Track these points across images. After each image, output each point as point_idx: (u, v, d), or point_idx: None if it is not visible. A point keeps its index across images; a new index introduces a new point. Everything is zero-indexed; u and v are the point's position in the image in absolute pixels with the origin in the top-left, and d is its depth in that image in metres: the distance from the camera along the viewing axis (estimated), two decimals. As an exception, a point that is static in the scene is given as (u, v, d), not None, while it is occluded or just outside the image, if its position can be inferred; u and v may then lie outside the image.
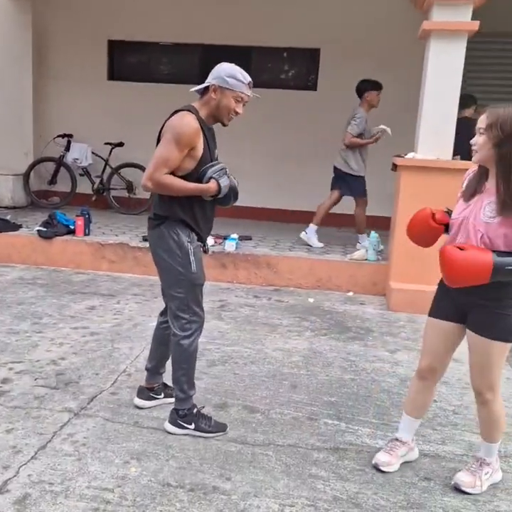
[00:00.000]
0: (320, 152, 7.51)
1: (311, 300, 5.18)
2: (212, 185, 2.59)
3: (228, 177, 2.64)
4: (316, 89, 7.65)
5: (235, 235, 5.84)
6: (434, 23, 4.70)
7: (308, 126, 7.49)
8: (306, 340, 4.17)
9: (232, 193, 2.69)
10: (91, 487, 2.34)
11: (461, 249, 2.15)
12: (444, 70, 4.72)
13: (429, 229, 2.38)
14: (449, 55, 4.69)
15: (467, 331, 2.37)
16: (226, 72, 2.56)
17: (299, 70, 8.04)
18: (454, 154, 5.08)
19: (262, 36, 7.44)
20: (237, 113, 2.62)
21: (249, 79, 2.60)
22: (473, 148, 2.22)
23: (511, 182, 2.12)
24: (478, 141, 2.19)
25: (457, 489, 2.46)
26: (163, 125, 2.58)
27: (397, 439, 2.63)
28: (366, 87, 5.87)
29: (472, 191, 2.29)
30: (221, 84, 2.55)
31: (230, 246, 5.67)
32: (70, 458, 2.53)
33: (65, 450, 2.59)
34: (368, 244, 5.60)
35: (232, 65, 2.61)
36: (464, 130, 5.74)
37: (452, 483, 2.49)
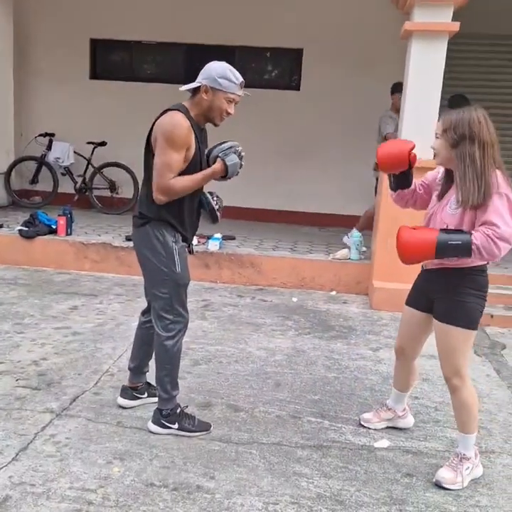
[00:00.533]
0: (303, 152, 7.55)
1: (294, 299, 5.19)
2: (217, 165, 2.54)
3: (236, 154, 2.57)
4: (299, 89, 7.66)
5: (218, 235, 5.83)
6: (415, 23, 4.74)
7: (292, 126, 7.51)
8: (289, 339, 4.18)
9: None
10: (73, 488, 2.32)
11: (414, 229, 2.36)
12: (426, 70, 4.76)
13: (401, 157, 2.47)
14: (431, 55, 4.74)
15: (433, 319, 2.54)
16: (217, 72, 2.51)
17: (283, 70, 8.05)
18: None
19: (246, 36, 7.43)
20: (228, 113, 2.59)
21: (241, 79, 2.56)
22: (434, 151, 2.43)
23: (467, 176, 2.29)
24: (436, 144, 2.40)
25: (438, 486, 2.49)
26: (153, 125, 2.55)
27: (384, 404, 2.97)
28: (392, 89, 6.05)
29: (443, 191, 2.49)
30: (213, 85, 2.51)
31: (213, 245, 5.67)
32: (52, 459, 2.51)
33: (47, 451, 2.57)
34: (351, 242, 5.63)
35: (224, 64, 2.56)
36: None
37: (434, 480, 2.52)
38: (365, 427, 2.93)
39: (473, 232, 2.27)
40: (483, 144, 2.29)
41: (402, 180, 2.58)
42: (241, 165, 2.60)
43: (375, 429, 2.92)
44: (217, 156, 2.54)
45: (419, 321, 2.65)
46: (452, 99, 5.82)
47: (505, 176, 2.32)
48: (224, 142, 2.61)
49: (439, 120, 2.43)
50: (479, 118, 2.31)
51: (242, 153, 2.61)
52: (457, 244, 2.25)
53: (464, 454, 2.54)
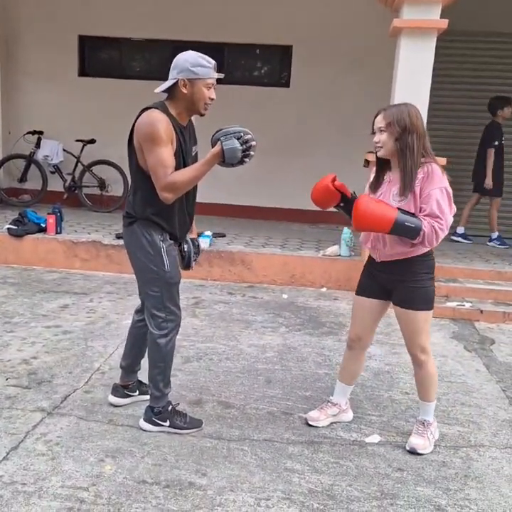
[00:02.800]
0: (293, 149, 7.56)
1: (285, 296, 5.20)
2: (215, 148, 2.42)
3: (240, 140, 2.40)
4: (288, 86, 7.67)
5: (208, 232, 5.83)
6: (404, 21, 4.75)
7: (282, 123, 7.52)
8: (280, 336, 4.20)
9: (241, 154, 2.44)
10: (65, 486, 2.32)
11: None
12: (415, 67, 4.77)
13: (327, 191, 2.68)
14: (419, 52, 4.76)
15: (394, 306, 2.70)
16: (190, 62, 2.47)
17: (272, 67, 8.05)
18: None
19: (235, 33, 7.43)
20: (212, 99, 2.54)
21: (213, 61, 2.52)
22: (377, 145, 2.55)
23: (408, 166, 2.47)
24: (381, 138, 2.53)
25: (412, 452, 2.70)
26: (133, 125, 2.53)
27: (329, 401, 2.99)
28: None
29: (377, 183, 2.67)
30: (189, 77, 2.47)
31: (203, 243, 5.65)
32: (43, 457, 2.50)
33: (38, 450, 2.56)
34: (341, 239, 5.64)
35: (192, 52, 2.52)
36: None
37: (407, 448, 2.72)
38: (312, 425, 2.90)
39: (423, 219, 2.44)
40: (419, 134, 2.48)
41: (348, 209, 2.68)
42: (247, 154, 2.44)
43: (323, 426, 2.90)
44: (219, 139, 2.43)
45: (375, 309, 2.78)
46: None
47: (438, 165, 2.51)
48: (233, 126, 2.48)
49: (378, 115, 2.55)
50: (415, 111, 2.51)
51: (252, 143, 2.43)
52: (410, 226, 2.43)
53: (427, 420, 2.78)
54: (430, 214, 2.44)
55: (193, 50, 2.57)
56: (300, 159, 7.52)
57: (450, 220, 2.48)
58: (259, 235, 6.52)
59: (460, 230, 6.82)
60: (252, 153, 2.46)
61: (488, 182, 6.44)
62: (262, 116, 7.49)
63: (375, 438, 2.84)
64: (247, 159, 2.47)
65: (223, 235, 6.24)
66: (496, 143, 6.41)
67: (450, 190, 2.49)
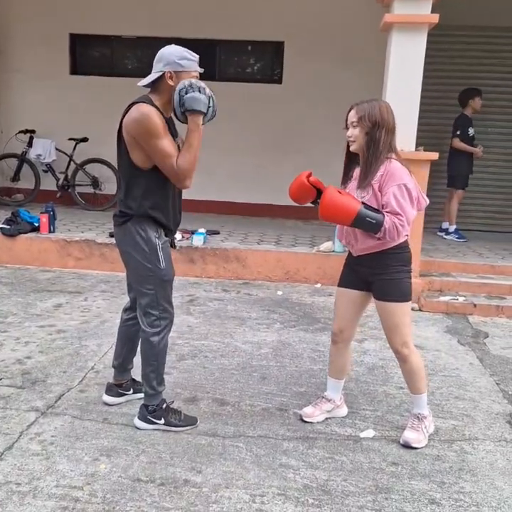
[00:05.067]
0: (286, 145, 7.55)
1: (279, 293, 5.21)
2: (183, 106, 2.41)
3: (196, 90, 2.40)
4: (281, 83, 7.67)
5: (202, 230, 5.82)
6: (395, 15, 4.75)
7: (274, 119, 7.51)
8: (275, 333, 4.20)
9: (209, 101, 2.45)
10: (60, 486, 2.32)
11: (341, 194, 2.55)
12: (406, 61, 4.78)
13: (303, 187, 2.73)
14: (411, 47, 4.76)
15: (374, 299, 2.75)
16: (176, 55, 2.51)
17: (264, 64, 8.04)
18: None
19: (227, 30, 7.41)
20: None
21: (197, 56, 2.56)
22: (350, 139, 2.61)
23: (368, 160, 2.55)
24: (354, 132, 2.58)
25: (406, 447, 2.71)
26: (121, 121, 2.52)
27: (323, 397, 2.99)
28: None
29: (345, 178, 2.76)
30: (175, 69, 2.49)
31: (197, 240, 5.65)
32: (38, 457, 2.50)
33: (32, 449, 2.55)
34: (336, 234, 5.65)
35: (176, 46, 2.55)
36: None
37: (401, 442, 2.74)
38: (306, 422, 2.90)
39: (385, 215, 2.49)
40: (388, 130, 2.54)
41: None
42: (210, 100, 2.44)
43: (317, 422, 2.91)
44: (179, 101, 2.41)
45: (356, 300, 2.81)
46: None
47: (401, 161, 2.57)
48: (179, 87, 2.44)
49: (351, 110, 2.60)
50: (387, 106, 2.58)
51: (207, 91, 2.44)
52: (371, 222, 2.49)
53: (421, 414, 2.78)
54: (391, 211, 2.50)
55: (184, 47, 2.58)
56: (293, 155, 7.52)
57: (412, 214, 2.53)
58: (253, 231, 6.52)
59: (451, 228, 6.79)
60: (210, 94, 2.46)
61: (478, 151, 6.49)
62: (255, 112, 7.49)
63: (369, 433, 2.84)
64: (212, 101, 2.45)
65: (217, 232, 6.23)
66: (458, 132, 6.49)
67: (411, 186, 2.52)
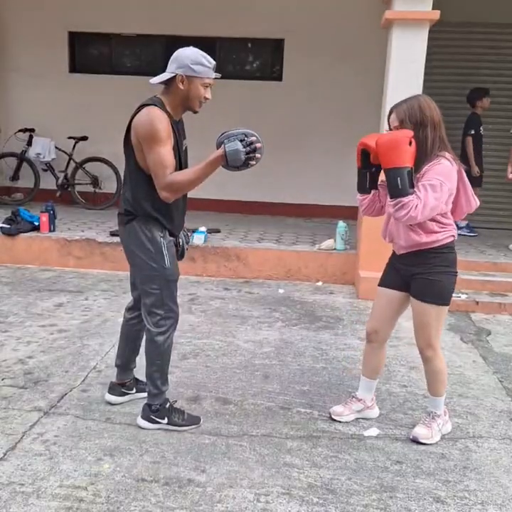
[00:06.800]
0: (287, 143, 7.52)
1: (281, 291, 5.19)
2: (218, 151, 2.37)
3: (243, 142, 2.35)
4: (281, 80, 7.64)
5: (203, 228, 5.80)
6: (396, 12, 4.73)
7: (275, 116, 7.48)
8: (277, 331, 4.19)
9: (244, 156, 2.37)
10: (63, 486, 2.31)
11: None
12: (407, 58, 4.75)
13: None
14: (411, 43, 4.74)
15: (410, 297, 2.69)
16: (191, 59, 2.45)
17: (264, 61, 8.01)
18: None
19: (226, 27, 7.38)
20: (206, 99, 2.54)
21: (213, 62, 2.51)
22: None
23: (421, 158, 2.46)
24: None
25: (415, 441, 2.72)
26: (131, 121, 2.51)
27: (353, 396, 2.96)
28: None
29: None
30: (188, 73, 2.45)
31: (198, 239, 5.64)
32: (41, 457, 2.49)
33: (36, 450, 2.54)
34: (336, 232, 5.63)
35: (194, 49, 2.51)
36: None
37: (410, 437, 2.75)
38: (336, 420, 2.90)
39: (412, 195, 2.39)
40: (434, 126, 2.47)
41: (375, 177, 2.64)
42: (252, 156, 2.38)
43: (347, 422, 2.90)
44: (222, 142, 2.38)
45: (395, 300, 2.75)
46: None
47: (453, 158, 2.51)
48: (237, 128, 2.40)
49: (391, 114, 2.54)
50: (427, 101, 2.50)
51: (257, 145, 2.36)
52: (396, 186, 2.39)
53: (435, 412, 2.78)
54: (418, 196, 2.44)
55: (184, 44, 2.55)
56: (294, 153, 7.51)
57: (430, 208, 2.41)
58: (254, 230, 6.50)
59: (462, 223, 6.75)
60: (257, 155, 2.40)
61: (475, 170, 6.45)
62: (255, 110, 7.46)
63: (373, 431, 2.84)
64: (252, 162, 2.40)
65: (218, 231, 6.22)
66: (472, 131, 6.48)
67: (447, 187, 2.44)
